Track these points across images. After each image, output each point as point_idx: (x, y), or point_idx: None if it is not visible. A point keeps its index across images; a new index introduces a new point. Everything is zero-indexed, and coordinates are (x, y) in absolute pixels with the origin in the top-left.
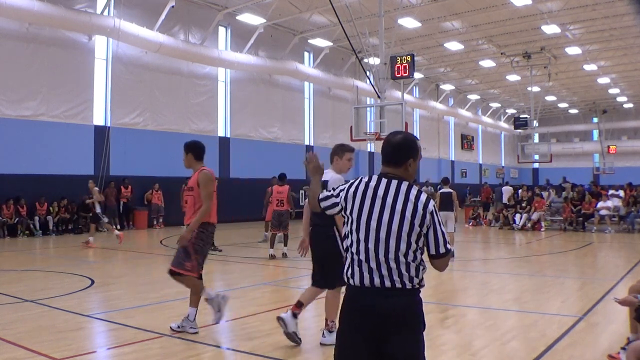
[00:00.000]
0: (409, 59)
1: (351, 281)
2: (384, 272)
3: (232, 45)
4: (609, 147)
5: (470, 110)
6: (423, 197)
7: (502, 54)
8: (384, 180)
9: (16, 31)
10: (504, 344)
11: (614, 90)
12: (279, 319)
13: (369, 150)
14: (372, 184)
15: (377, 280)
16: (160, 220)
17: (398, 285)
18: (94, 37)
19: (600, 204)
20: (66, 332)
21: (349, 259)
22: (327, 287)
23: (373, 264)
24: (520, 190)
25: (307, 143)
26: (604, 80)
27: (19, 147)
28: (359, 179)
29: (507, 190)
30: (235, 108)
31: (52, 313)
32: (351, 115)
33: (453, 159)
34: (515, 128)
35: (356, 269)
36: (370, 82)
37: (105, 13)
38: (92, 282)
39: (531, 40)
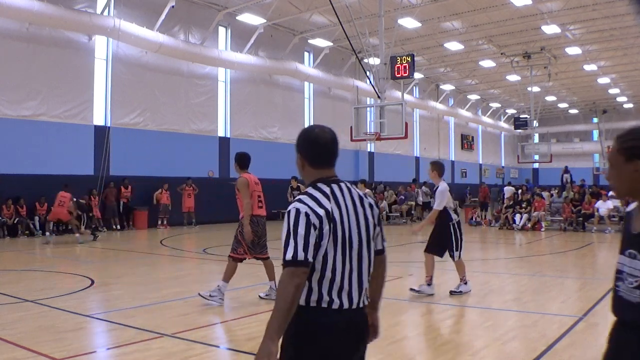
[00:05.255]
0: (409, 59)
1: (340, 304)
2: (365, 284)
3: (232, 45)
4: (609, 147)
5: (470, 110)
6: (367, 194)
7: (502, 54)
8: (340, 186)
9: (16, 31)
10: (504, 344)
11: (614, 90)
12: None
13: (368, 150)
14: (338, 193)
15: (361, 296)
16: (165, 221)
17: (367, 299)
18: (94, 37)
19: (599, 204)
20: (66, 332)
21: (332, 281)
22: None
23: (355, 279)
24: (505, 188)
25: None
26: (604, 80)
27: (19, 147)
28: (320, 193)
29: (508, 190)
30: (235, 108)
31: (52, 313)
32: (351, 115)
33: (453, 159)
34: (515, 128)
35: (345, 291)
36: (370, 82)
37: (105, 13)
38: (92, 282)
39: (531, 40)
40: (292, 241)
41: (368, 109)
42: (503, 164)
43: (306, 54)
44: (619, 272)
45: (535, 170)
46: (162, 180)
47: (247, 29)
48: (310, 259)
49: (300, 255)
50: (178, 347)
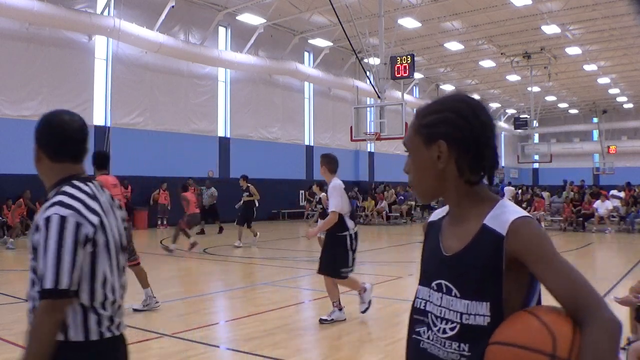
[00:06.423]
0: (409, 59)
1: (115, 332)
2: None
3: (232, 45)
4: (609, 147)
5: None
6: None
7: (502, 54)
8: (96, 186)
9: (16, 31)
10: None
11: (614, 90)
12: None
13: (368, 150)
14: (99, 195)
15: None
16: (165, 221)
17: None
18: (94, 37)
19: (597, 204)
20: None
21: (113, 304)
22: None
23: (122, 297)
24: (505, 188)
25: (307, 143)
26: (604, 80)
27: (19, 147)
28: (83, 193)
29: (508, 191)
30: (235, 108)
31: None
32: (351, 115)
33: None
34: (516, 128)
35: (117, 315)
36: (370, 82)
37: (105, 13)
38: None
39: (531, 40)
40: (52, 262)
41: (368, 109)
42: (503, 164)
43: (306, 54)
44: (419, 311)
45: (535, 170)
46: (162, 180)
47: (247, 29)
48: (75, 287)
49: (64, 283)
50: (178, 347)
